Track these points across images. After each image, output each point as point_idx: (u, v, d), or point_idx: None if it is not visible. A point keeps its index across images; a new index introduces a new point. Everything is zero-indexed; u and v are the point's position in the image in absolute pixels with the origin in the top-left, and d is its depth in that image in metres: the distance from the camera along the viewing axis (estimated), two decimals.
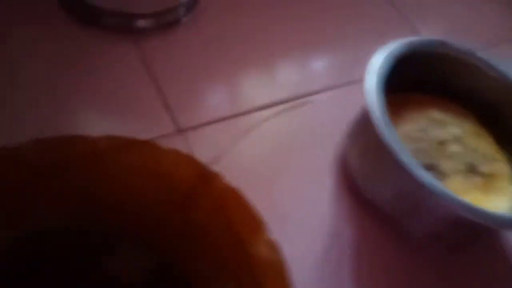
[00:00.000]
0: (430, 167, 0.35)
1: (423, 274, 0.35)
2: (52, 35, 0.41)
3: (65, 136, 0.29)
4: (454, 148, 0.37)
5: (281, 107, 0.42)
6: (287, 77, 0.46)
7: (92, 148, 0.29)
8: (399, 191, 0.34)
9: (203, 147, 0.37)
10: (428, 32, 0.52)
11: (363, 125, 0.35)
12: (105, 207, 0.29)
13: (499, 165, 0.37)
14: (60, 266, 0.29)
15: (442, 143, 0.37)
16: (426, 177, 0.30)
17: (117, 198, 0.29)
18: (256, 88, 0.44)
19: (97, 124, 0.37)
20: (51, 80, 0.39)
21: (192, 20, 0.45)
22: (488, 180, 0.36)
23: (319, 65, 0.48)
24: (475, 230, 0.35)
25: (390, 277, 0.34)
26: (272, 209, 0.35)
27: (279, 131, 0.41)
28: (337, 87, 0.45)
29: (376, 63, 0.35)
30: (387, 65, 0.35)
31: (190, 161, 0.30)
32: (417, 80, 0.39)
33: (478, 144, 0.38)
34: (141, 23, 0.43)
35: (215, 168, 0.36)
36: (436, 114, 0.39)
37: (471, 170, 0.36)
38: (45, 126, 0.36)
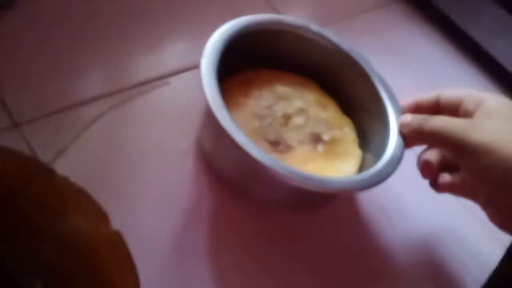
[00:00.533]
0: (275, 143, 0.37)
1: (272, 235, 0.36)
2: None
3: None
4: (298, 120, 0.39)
5: (135, 90, 0.41)
6: (138, 60, 0.44)
7: None
8: (241, 168, 0.36)
9: (45, 142, 0.34)
10: (290, 12, 0.52)
11: (208, 109, 0.35)
12: None
13: (343, 131, 0.40)
14: None
15: (287, 117, 0.39)
16: (259, 153, 0.31)
17: None
18: (105, 73, 0.42)
19: None
20: None
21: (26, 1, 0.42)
22: (332, 147, 0.38)
23: (173, 47, 0.47)
24: (313, 195, 0.37)
25: (243, 240, 0.36)
26: (126, 195, 0.35)
27: (135, 116, 0.40)
28: (194, 68, 0.44)
29: (211, 45, 0.36)
30: (222, 46, 0.36)
31: (20, 157, 0.28)
32: (260, 56, 0.40)
33: (322, 114, 0.40)
34: None
35: (61, 161, 0.34)
36: (280, 89, 0.40)
37: (315, 139, 0.38)
38: None
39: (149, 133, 0.39)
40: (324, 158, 0.37)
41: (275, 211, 0.38)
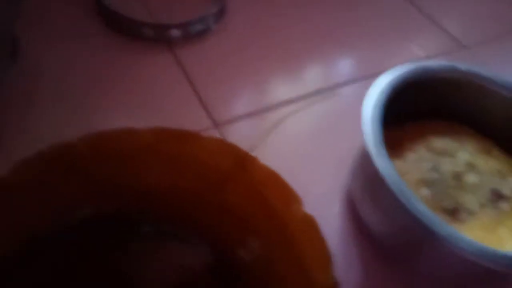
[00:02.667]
0: (454, 211, 0.32)
1: None
2: (97, 47, 0.46)
3: (116, 129, 0.33)
4: (471, 178, 0.34)
5: (309, 100, 0.45)
6: (313, 72, 0.49)
7: (139, 140, 0.33)
8: (405, 235, 0.32)
9: (238, 140, 0.40)
10: (451, 26, 0.55)
11: (364, 159, 0.33)
12: (141, 195, 0.33)
13: None
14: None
15: (457, 176, 0.34)
16: (428, 215, 0.28)
17: (155, 187, 0.33)
18: (285, 84, 0.47)
19: (136, 124, 0.41)
20: (92, 88, 0.43)
21: (221, 28, 0.51)
22: None
23: (343, 61, 0.51)
24: (492, 275, 0.31)
25: None
26: None
27: (307, 123, 0.44)
28: (362, 80, 0.48)
29: (375, 92, 0.33)
30: (385, 95, 0.33)
31: (231, 147, 0.34)
32: (422, 107, 0.37)
33: (490, 162, 0.36)
34: (174, 33, 0.48)
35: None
36: (436, 143, 0.36)
37: (496, 196, 0.34)
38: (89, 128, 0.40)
39: (320, 135, 0.42)
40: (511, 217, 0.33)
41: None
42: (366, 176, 0.33)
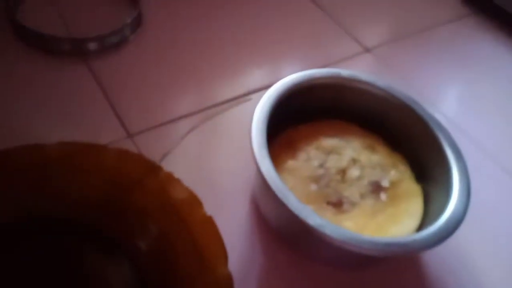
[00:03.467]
0: (338, 203, 0.36)
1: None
2: (9, 62, 0.47)
3: (25, 145, 0.35)
4: (354, 172, 0.38)
5: (222, 107, 0.48)
6: (226, 82, 0.51)
7: (45, 155, 0.35)
8: (293, 229, 0.35)
9: (150, 148, 0.43)
10: (368, 39, 0.59)
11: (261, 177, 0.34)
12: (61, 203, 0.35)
13: (399, 170, 0.39)
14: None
15: (342, 171, 0.38)
16: (300, 208, 0.31)
17: (70, 195, 0.35)
18: (193, 94, 0.49)
19: (53, 136, 0.43)
20: (10, 102, 0.44)
21: (138, 38, 0.53)
22: (394, 191, 0.37)
23: (256, 70, 0.53)
24: (363, 258, 0.35)
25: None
26: None
27: (221, 129, 0.46)
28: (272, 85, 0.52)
29: (264, 99, 0.37)
30: (273, 100, 0.37)
31: (138, 158, 0.36)
32: (296, 111, 0.40)
33: (373, 157, 0.39)
34: (91, 46, 0.49)
35: (163, 164, 0.42)
36: (325, 143, 0.40)
37: (376, 188, 0.37)
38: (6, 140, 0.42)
39: (228, 149, 0.44)
40: (391, 206, 0.37)
41: (329, 269, 0.37)
42: (259, 176, 0.36)
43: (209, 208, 0.36)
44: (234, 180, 0.41)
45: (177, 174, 0.36)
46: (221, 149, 0.44)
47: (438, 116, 0.51)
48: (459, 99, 0.54)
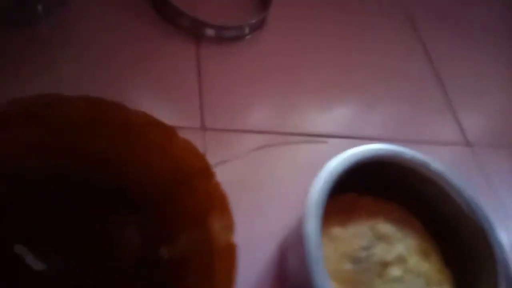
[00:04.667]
0: None
1: None
2: (128, 18, 0.49)
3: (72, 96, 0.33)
4: (395, 272, 0.35)
5: (297, 138, 0.47)
6: (311, 114, 0.50)
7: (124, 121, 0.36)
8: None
9: (215, 149, 0.43)
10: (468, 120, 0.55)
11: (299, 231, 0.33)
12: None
13: None
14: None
15: (384, 265, 0.35)
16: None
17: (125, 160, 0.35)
18: (277, 112, 0.49)
19: (137, 100, 0.44)
20: (117, 56, 0.46)
21: (254, 39, 0.53)
22: None
23: (344, 114, 0.52)
24: None
25: None
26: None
27: (283, 159, 0.45)
28: (353, 138, 0.50)
29: (335, 161, 0.35)
30: (350, 163, 0.35)
31: (199, 155, 0.37)
32: (373, 187, 0.38)
33: (423, 265, 0.36)
34: (207, 31, 0.50)
35: (220, 168, 0.42)
36: (382, 227, 0.37)
37: None
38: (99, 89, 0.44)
39: (282, 183, 0.43)
40: None
41: None
42: (298, 232, 0.34)
43: (238, 236, 0.35)
44: (275, 219, 0.40)
45: (224, 186, 0.36)
46: (276, 181, 0.43)
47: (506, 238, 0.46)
48: None
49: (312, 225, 0.32)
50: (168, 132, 0.36)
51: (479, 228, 0.37)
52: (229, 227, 0.33)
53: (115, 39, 0.47)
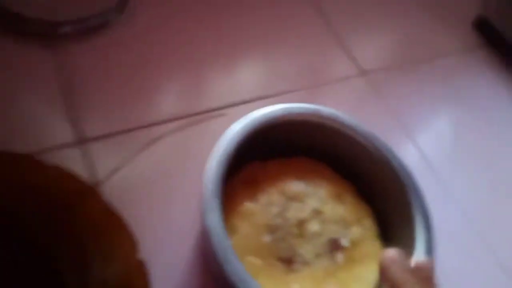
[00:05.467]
0: (289, 261, 0.34)
1: None
2: None
3: None
4: (313, 226, 0.35)
5: (191, 119, 0.44)
6: (210, 88, 0.47)
7: None
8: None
9: (105, 159, 0.39)
10: (361, 50, 0.55)
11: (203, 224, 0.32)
12: None
13: (363, 226, 0.36)
14: None
15: (301, 224, 0.35)
16: (237, 269, 0.29)
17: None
18: (171, 99, 0.45)
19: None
20: None
21: (120, 24, 0.47)
22: (352, 252, 0.35)
23: (246, 76, 0.49)
24: None
25: None
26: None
27: (182, 145, 0.42)
28: (251, 102, 0.47)
29: (231, 132, 0.34)
30: (243, 135, 0.34)
31: (72, 179, 0.33)
32: (277, 149, 0.38)
33: (339, 209, 0.37)
34: (64, 29, 0.44)
35: (112, 180, 0.39)
36: (290, 188, 0.37)
37: (334, 247, 0.35)
38: None
39: (192, 166, 0.40)
40: (344, 270, 0.34)
41: None
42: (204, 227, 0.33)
43: (151, 243, 0.33)
44: (184, 213, 0.38)
45: (124, 193, 0.33)
46: (179, 172, 0.40)
47: (416, 153, 0.48)
48: (442, 139, 0.51)
49: (211, 218, 0.30)
50: (33, 164, 0.32)
51: (382, 158, 0.37)
52: (131, 245, 0.31)
53: None
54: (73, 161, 0.38)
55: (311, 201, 0.36)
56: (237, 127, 0.35)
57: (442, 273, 0.40)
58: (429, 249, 0.33)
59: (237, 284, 0.28)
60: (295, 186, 0.37)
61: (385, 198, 0.38)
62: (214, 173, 0.32)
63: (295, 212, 0.35)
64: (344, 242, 0.35)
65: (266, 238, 0.34)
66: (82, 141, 0.39)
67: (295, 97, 0.49)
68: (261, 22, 0.54)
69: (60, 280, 0.31)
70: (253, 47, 0.52)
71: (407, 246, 0.34)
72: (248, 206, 0.35)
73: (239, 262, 0.29)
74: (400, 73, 0.55)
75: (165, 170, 0.40)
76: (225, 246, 0.29)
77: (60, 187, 0.31)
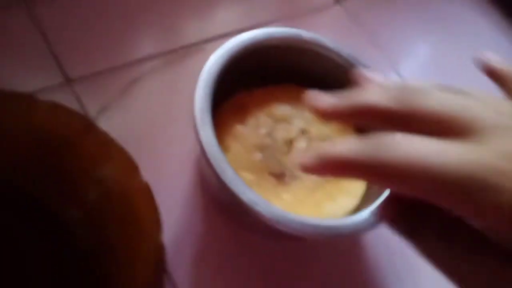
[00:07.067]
0: (280, 175, 0.35)
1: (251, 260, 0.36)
2: None
3: None
4: (300, 144, 0.37)
5: (174, 55, 0.44)
6: (187, 24, 0.47)
7: None
8: (229, 201, 0.33)
9: (92, 97, 0.40)
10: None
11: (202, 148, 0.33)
12: None
13: None
14: None
15: (289, 142, 0.37)
16: (235, 181, 0.30)
17: None
18: (151, 36, 0.45)
19: None
20: None
21: None
22: None
23: (223, 10, 0.49)
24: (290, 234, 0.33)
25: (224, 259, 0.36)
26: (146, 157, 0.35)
27: (167, 81, 0.43)
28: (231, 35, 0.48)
29: (214, 58, 0.34)
30: (218, 69, 0.34)
31: (72, 114, 0.34)
32: (256, 73, 0.38)
33: (324, 129, 0.38)
34: None
35: (104, 116, 0.40)
36: (277, 110, 0.38)
37: None
38: None
39: (174, 107, 0.41)
40: (331, 182, 0.36)
41: (264, 240, 0.37)
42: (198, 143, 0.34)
43: (149, 171, 0.34)
44: (179, 142, 0.39)
45: (114, 132, 0.34)
46: (167, 107, 0.41)
47: (396, 78, 0.50)
48: (425, 68, 0.53)
49: (204, 132, 0.32)
50: (26, 101, 0.32)
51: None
52: (131, 165, 0.32)
53: None
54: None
55: (297, 122, 0.38)
56: (222, 50, 0.35)
57: None
58: None
59: (235, 193, 0.30)
60: (282, 109, 0.38)
61: None
62: (202, 93, 0.33)
63: (283, 132, 0.37)
64: None
65: (257, 156, 0.36)
66: (68, 80, 0.40)
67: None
68: None
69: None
70: None
71: None
72: (238, 128, 0.37)
73: (235, 172, 0.31)
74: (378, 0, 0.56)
75: (153, 105, 0.41)
76: (220, 158, 0.31)
77: (59, 122, 0.32)
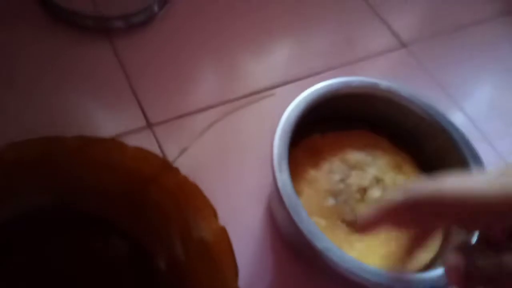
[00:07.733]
0: (353, 223, 0.35)
1: None
2: (35, 37, 0.46)
3: (46, 137, 0.34)
4: (374, 193, 0.37)
5: (244, 100, 0.46)
6: (251, 71, 0.49)
7: (64, 147, 0.35)
8: (302, 246, 0.32)
9: (170, 142, 0.42)
10: (399, 24, 0.56)
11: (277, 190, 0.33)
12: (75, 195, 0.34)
13: None
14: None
15: (362, 190, 0.37)
16: (311, 229, 0.30)
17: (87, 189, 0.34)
18: (222, 82, 0.48)
19: (76, 119, 0.42)
20: (34, 79, 0.43)
21: (166, 15, 0.50)
22: None
23: (283, 59, 0.52)
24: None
25: None
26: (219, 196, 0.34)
27: (238, 125, 0.44)
28: (299, 80, 0.49)
29: (286, 114, 0.35)
30: (303, 108, 0.35)
31: (154, 157, 0.36)
32: (336, 122, 0.39)
33: (398, 178, 0.38)
34: (117, 24, 0.48)
35: (181, 160, 0.42)
36: (351, 157, 0.38)
37: None
38: (32, 122, 0.41)
39: (247, 148, 0.42)
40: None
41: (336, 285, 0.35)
42: (274, 187, 0.35)
43: (222, 211, 0.35)
44: (252, 183, 0.40)
45: (193, 172, 0.36)
46: (240, 148, 0.43)
47: (467, 122, 0.49)
48: (490, 106, 0.52)
49: (282, 175, 0.32)
50: (116, 145, 0.35)
51: (439, 128, 0.38)
52: (210, 210, 0.33)
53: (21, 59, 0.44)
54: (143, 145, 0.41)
55: (371, 170, 0.38)
56: (299, 99, 0.36)
57: None
58: None
59: (308, 239, 0.30)
60: (355, 155, 0.38)
61: (444, 169, 0.38)
62: (280, 139, 0.34)
63: (357, 179, 0.37)
64: None
65: (330, 202, 0.36)
66: (150, 125, 0.42)
67: (338, 73, 0.50)
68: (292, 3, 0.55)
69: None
70: (288, 27, 0.53)
71: None
72: (311, 173, 0.37)
73: (309, 218, 0.31)
74: (439, 42, 0.56)
75: (228, 147, 0.43)
76: (296, 204, 0.31)
77: (143, 164, 0.34)
